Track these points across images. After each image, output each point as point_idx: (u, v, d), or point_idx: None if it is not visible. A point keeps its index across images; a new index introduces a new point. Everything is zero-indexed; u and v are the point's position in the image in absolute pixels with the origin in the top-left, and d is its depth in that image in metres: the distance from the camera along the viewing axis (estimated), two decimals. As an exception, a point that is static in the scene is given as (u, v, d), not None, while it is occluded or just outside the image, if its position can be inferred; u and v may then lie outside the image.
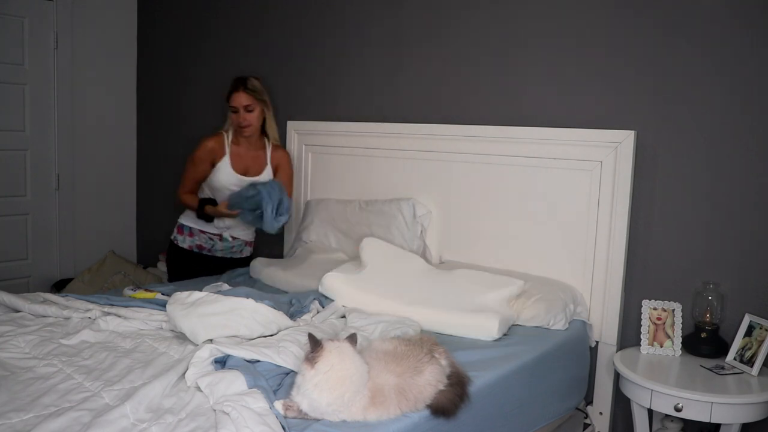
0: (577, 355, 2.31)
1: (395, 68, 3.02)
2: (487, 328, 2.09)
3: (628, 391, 2.13)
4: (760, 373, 2.05)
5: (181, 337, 1.95)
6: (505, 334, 2.15)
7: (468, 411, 1.64)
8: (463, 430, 1.68)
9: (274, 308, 2.01)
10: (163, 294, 2.35)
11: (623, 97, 2.39)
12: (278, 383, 1.62)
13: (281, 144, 3.14)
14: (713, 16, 2.19)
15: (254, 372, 1.59)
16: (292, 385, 1.52)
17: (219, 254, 3.02)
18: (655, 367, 2.14)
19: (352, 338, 1.54)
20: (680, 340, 2.23)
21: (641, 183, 2.36)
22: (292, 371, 1.66)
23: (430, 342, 1.71)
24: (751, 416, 1.93)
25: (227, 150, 2.89)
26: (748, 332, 2.11)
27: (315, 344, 1.48)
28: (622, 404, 2.41)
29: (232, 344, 1.75)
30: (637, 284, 2.39)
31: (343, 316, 2.21)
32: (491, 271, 2.48)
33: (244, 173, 2.90)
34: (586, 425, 2.45)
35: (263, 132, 2.99)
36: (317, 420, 1.45)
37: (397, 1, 2.99)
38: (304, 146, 3.29)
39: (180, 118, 4.03)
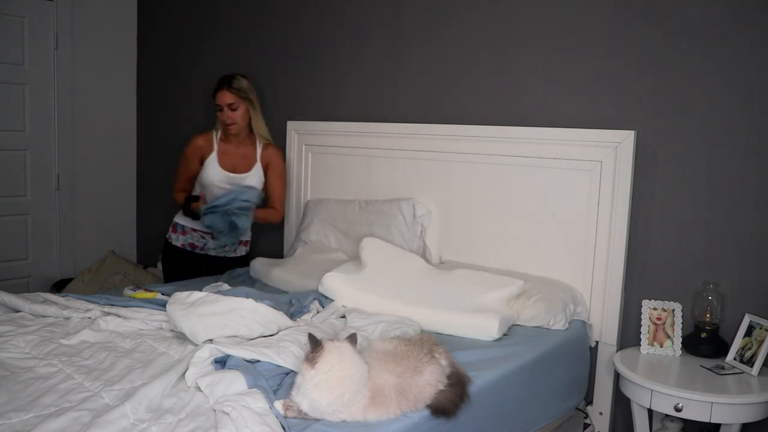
0: (577, 355, 2.31)
1: (395, 68, 3.02)
2: (487, 328, 2.09)
3: (628, 391, 2.13)
4: (760, 373, 2.05)
5: (181, 337, 1.95)
6: (505, 334, 2.15)
7: (468, 411, 1.64)
8: (463, 430, 1.68)
9: (274, 308, 2.01)
10: (163, 294, 2.35)
11: (623, 97, 2.39)
12: (278, 383, 1.62)
13: (281, 144, 3.14)
14: (713, 16, 2.20)
15: (254, 372, 1.59)
16: (292, 385, 1.52)
17: (212, 253, 3.01)
18: (655, 367, 2.14)
19: (352, 338, 1.54)
20: (680, 340, 2.23)
21: (641, 183, 2.36)
22: (292, 371, 1.66)
23: (430, 342, 1.71)
24: (751, 416, 1.94)
25: (215, 147, 2.91)
26: (748, 332, 2.11)
27: (315, 344, 1.48)
28: (622, 404, 2.41)
29: (232, 344, 1.75)
30: (637, 284, 2.39)
31: (343, 316, 2.21)
32: (491, 271, 2.48)
33: (232, 170, 2.91)
34: (586, 425, 2.45)
35: (252, 130, 2.99)
36: (317, 420, 1.45)
37: (397, 1, 2.99)
38: (304, 146, 3.29)
39: (180, 118, 4.03)
